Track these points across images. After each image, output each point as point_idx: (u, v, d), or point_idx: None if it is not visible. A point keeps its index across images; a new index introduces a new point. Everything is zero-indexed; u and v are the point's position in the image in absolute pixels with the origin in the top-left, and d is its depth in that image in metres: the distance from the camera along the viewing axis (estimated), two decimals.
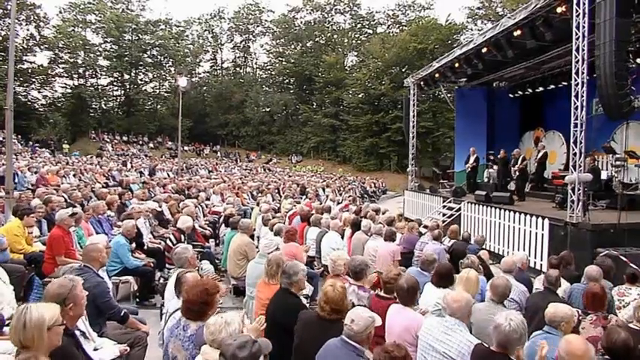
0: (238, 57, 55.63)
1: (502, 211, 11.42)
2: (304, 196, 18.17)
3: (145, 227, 7.69)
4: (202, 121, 49.01)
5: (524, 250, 10.40)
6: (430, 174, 34.58)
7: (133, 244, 6.49)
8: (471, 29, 41.13)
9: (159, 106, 49.25)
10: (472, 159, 16.68)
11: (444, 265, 4.80)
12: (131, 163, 23.73)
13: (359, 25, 50.66)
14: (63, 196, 9.26)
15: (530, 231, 10.22)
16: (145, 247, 7.26)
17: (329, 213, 10.57)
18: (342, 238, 8.71)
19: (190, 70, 50.71)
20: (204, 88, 52.78)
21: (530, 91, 17.69)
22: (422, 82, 18.73)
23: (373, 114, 39.43)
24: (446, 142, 38.49)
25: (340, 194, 21.68)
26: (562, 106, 17.36)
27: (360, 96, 41.66)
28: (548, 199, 13.64)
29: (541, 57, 13.72)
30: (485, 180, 17.86)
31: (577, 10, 8.96)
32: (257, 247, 6.81)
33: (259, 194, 17.68)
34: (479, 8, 39.57)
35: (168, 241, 6.34)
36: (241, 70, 55.96)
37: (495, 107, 19.03)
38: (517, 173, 13.55)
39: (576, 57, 9.12)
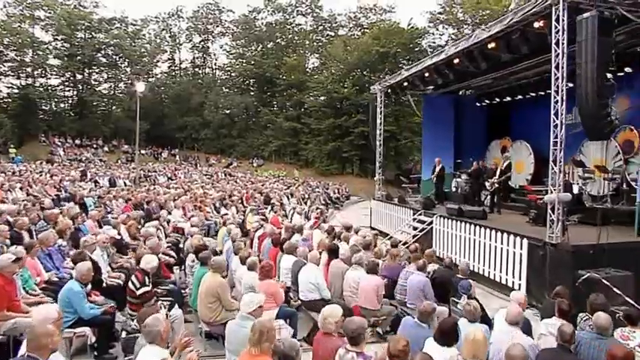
0: (197, 57, 54.40)
1: (477, 227, 11.14)
2: (269, 207, 17.54)
3: (102, 260, 6.91)
4: (160, 124, 47.39)
5: (500, 269, 10.21)
6: (392, 177, 34.66)
7: (89, 286, 5.71)
8: (433, 33, 41.61)
9: (114, 108, 47.28)
10: (437, 169, 16.48)
11: (446, 321, 4.32)
12: (86, 173, 22.20)
13: (320, 27, 50.33)
14: (8, 221, 8.34)
15: (508, 249, 9.98)
16: (104, 284, 6.51)
17: (300, 233, 10.02)
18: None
19: (147, 71, 49.07)
20: (162, 89, 51.12)
21: (497, 100, 17.68)
22: (389, 90, 18.39)
23: (336, 117, 39.07)
24: (408, 146, 38.69)
25: (305, 203, 21.19)
26: (529, 116, 17.53)
27: (322, 99, 41.26)
28: (518, 210, 13.61)
29: (513, 68, 13.55)
30: (454, 190, 17.73)
31: (556, 27, 8.73)
32: (232, 275, 6.20)
33: (222, 206, 16.98)
34: (440, 13, 39.86)
35: (130, 284, 5.59)
36: (200, 71, 54.70)
37: (462, 115, 18.93)
38: (495, 186, 13.31)
39: (555, 74, 8.91)
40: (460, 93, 19.29)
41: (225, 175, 35.43)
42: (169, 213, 14.05)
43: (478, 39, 11.36)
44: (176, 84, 50.98)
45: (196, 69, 54.82)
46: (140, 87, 20.87)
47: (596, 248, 8.73)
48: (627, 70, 12.36)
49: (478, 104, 18.98)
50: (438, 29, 41.28)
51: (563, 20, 8.59)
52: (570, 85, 14.02)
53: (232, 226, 9.91)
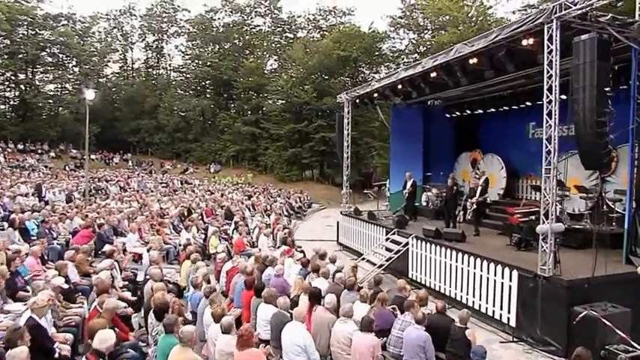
0: (151, 58, 52.21)
1: (459, 254, 10.54)
2: (232, 225, 16.52)
3: (48, 324, 5.76)
4: (111, 127, 45.14)
5: (487, 299, 9.64)
6: (353, 182, 34.02)
7: None
8: (393, 38, 41.27)
9: (60, 110, 44.37)
10: (409, 184, 15.90)
11: None
12: (41, 188, 20.21)
13: (279, 29, 49.12)
14: None
15: (495, 280, 9.41)
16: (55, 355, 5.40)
17: (273, 266, 9.11)
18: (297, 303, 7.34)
19: (97, 71, 46.61)
20: (114, 90, 48.71)
21: (468, 112, 17.28)
22: (357, 100, 17.66)
23: (296, 123, 38.14)
24: (370, 151, 38.25)
25: (268, 215, 20.24)
26: (499, 129, 17.24)
27: (281, 103, 40.21)
28: (493, 228, 13.17)
29: (488, 82, 13.02)
30: (424, 204, 17.25)
31: (549, 47, 8.20)
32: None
33: (181, 223, 15.84)
34: (400, 17, 39.58)
35: None
36: (154, 73, 52.42)
37: (431, 126, 18.43)
38: (474, 206, 12.76)
39: (548, 96, 8.39)
40: (429, 103, 18.78)
41: (182, 182, 33.87)
42: (124, 234, 12.91)
43: (460, 53, 10.76)
44: (128, 85, 48.76)
45: (150, 70, 52.55)
46: (89, 95, 19.18)
47: (591, 282, 8.27)
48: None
49: (447, 115, 18.54)
50: (398, 34, 41.07)
51: (556, 40, 8.05)
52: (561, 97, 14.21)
53: (201, 264, 8.75)
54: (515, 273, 8.91)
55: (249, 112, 44.68)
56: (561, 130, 14.91)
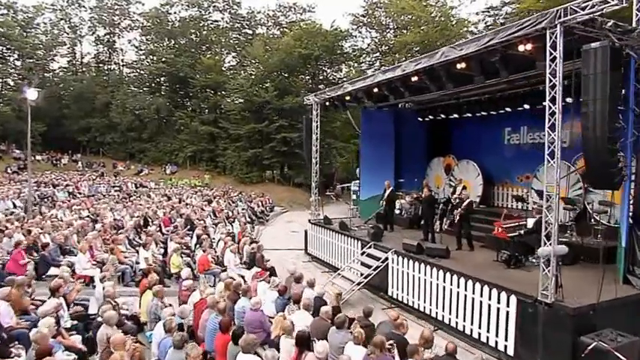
0: (102, 53, 49.20)
1: (449, 273, 9.79)
2: (193, 235, 15.29)
3: None
4: (59, 125, 42.30)
5: (480, 324, 8.93)
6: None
7: None
8: (355, 36, 40.57)
9: (1, 107, 40.78)
10: (387, 193, 15.13)
11: None
12: None
13: (238, 25, 47.34)
14: None
15: (490, 304, 8.70)
16: None
17: (247, 297, 8.07)
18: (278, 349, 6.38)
19: (43, 66, 43.59)
20: (61, 85, 45.71)
21: (442, 116, 16.68)
22: (327, 102, 16.73)
23: (256, 122, 36.69)
24: (331, 152, 37.41)
25: (231, 223, 19.07)
26: (474, 135, 16.72)
27: (240, 102, 38.66)
28: (475, 240, 12.53)
29: (467, 87, 12.35)
30: (397, 212, 16.54)
31: (551, 53, 7.51)
32: None
33: (137, 236, 14.51)
34: (363, 15, 38.91)
35: None
36: (106, 68, 49.47)
37: (403, 130, 17.79)
38: (458, 217, 12.05)
39: (550, 108, 7.69)
40: (400, 106, 18.03)
41: (137, 185, 31.97)
42: (72, 252, 11.52)
43: (446, 57, 10.00)
44: (78, 81, 45.61)
45: (101, 65, 49.53)
46: (31, 94, 17.34)
47: (596, 307, 7.68)
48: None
49: (420, 119, 17.90)
50: (360, 32, 40.41)
51: (559, 46, 7.38)
52: (526, 107, 13.75)
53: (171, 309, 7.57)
54: (513, 298, 8.21)
55: (207, 111, 42.87)
56: (539, 137, 14.88)
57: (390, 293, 11.80)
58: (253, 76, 39.13)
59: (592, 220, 11.30)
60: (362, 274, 12.20)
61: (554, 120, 7.64)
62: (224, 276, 9.48)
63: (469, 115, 15.53)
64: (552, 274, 7.67)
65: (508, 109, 14.05)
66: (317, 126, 17.18)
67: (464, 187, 14.09)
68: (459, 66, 10.04)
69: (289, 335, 6.48)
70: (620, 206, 9.95)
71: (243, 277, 11.98)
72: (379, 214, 16.19)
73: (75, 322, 7.46)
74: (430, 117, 17.41)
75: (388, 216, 15.29)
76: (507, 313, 8.32)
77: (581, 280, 8.80)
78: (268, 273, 10.11)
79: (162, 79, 45.81)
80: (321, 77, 41.76)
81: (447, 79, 10.75)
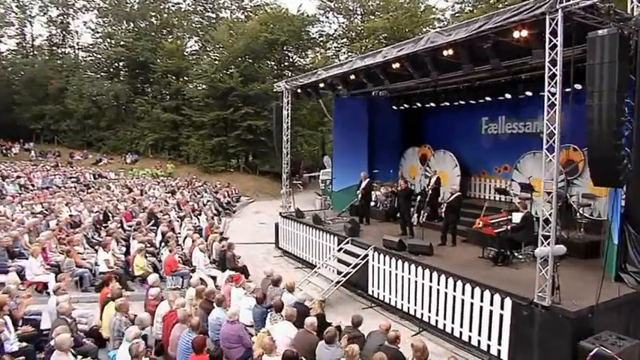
0: (55, 35, 46.06)
1: (436, 273, 9.28)
2: (158, 230, 14.36)
3: None
4: (9, 112, 39.84)
5: (470, 327, 8.48)
6: (279, 170, 32.26)
7: None
8: (322, 22, 39.67)
9: None
10: (364, 184, 14.54)
11: None
12: None
13: (201, 8, 45.42)
14: None
15: (482, 306, 8.24)
16: None
17: (223, 307, 7.32)
18: None
19: None
20: (10, 69, 42.92)
21: (419, 105, 16.14)
22: (299, 90, 15.93)
23: (220, 109, 35.32)
24: (298, 140, 36.59)
25: (197, 217, 18.17)
26: (450, 124, 16.26)
27: (204, 88, 37.13)
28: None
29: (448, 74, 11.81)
30: (372, 204, 15.99)
31: (551, 40, 6.98)
32: None
33: (96, 234, 13.48)
34: (330, 0, 38.02)
35: None
36: (60, 52, 46.48)
37: (377, 119, 17.17)
38: (444, 211, 11.57)
39: (549, 99, 7.18)
40: (373, 94, 17.40)
41: (95, 176, 30.30)
42: (23, 255, 10.43)
43: (432, 43, 9.38)
44: (29, 65, 42.84)
45: (54, 48, 46.50)
46: None
47: (594, 310, 7.31)
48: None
49: (394, 107, 17.32)
50: (327, 17, 39.54)
51: (560, 33, 6.85)
52: (507, 96, 13.34)
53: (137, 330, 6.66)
54: (508, 301, 7.76)
55: (169, 98, 40.93)
56: (518, 127, 14.59)
57: (370, 292, 11.26)
58: (217, 62, 37.63)
59: (577, 215, 11.01)
60: (340, 272, 11.57)
61: (554, 112, 7.10)
62: (194, 281, 8.62)
63: (447, 103, 15.02)
64: (549, 276, 7.24)
65: (488, 99, 13.58)
66: (288, 114, 16.37)
67: (438, 178, 13.72)
68: (445, 53, 9.43)
69: (271, 353, 5.80)
70: (609, 201, 9.70)
71: (214, 277, 11.26)
72: (354, 206, 15.63)
73: (24, 344, 6.47)
74: (405, 105, 16.82)
75: (364, 209, 14.72)
76: (501, 316, 7.87)
77: (570, 278, 8.37)
78: (244, 277, 9.29)
79: (121, 63, 43.47)
80: (286, 63, 40.71)
81: (432, 66, 10.12)
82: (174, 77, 39.98)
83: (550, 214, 7.30)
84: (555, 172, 7.21)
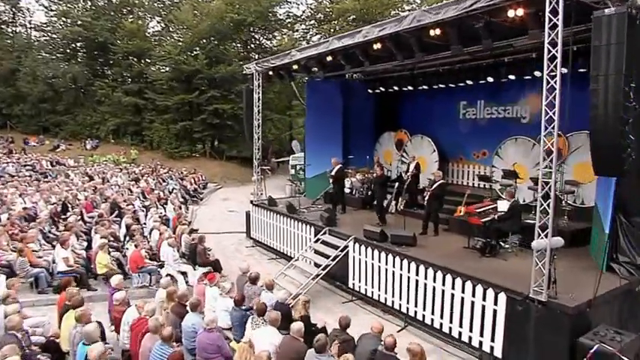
0: (4, 12, 42.91)
1: (423, 266, 8.82)
2: (121, 222, 13.47)
3: None
4: None
5: (460, 323, 8.08)
6: (247, 155, 31.62)
7: None
8: (290, 2, 38.56)
9: None
10: (335, 170, 13.97)
11: None
12: None
13: None
14: None
15: (473, 301, 7.84)
16: None
17: (198, 312, 6.65)
18: None
19: None
20: None
21: (395, 88, 15.61)
22: (271, 72, 15.13)
23: (185, 93, 33.97)
24: (266, 124, 35.67)
25: (163, 206, 17.31)
26: (427, 108, 15.82)
27: (168, 71, 35.56)
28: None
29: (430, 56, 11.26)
30: (347, 190, 15.48)
31: (550, 20, 6.49)
32: None
33: (54, 227, 12.50)
34: None
35: None
36: (10, 30, 43.57)
37: (351, 103, 16.57)
38: (427, 199, 11.11)
39: (548, 82, 6.70)
40: (347, 77, 16.76)
41: (52, 163, 28.65)
42: None
43: (418, 22, 8.79)
44: None
45: (3, 27, 43.38)
46: None
47: (591, 304, 7.01)
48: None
49: (370, 90, 16.75)
50: None
51: (561, 12, 6.37)
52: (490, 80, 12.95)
53: (96, 335, 5.86)
54: (502, 296, 7.36)
55: (131, 81, 38.87)
56: (497, 111, 14.27)
57: (350, 285, 10.77)
58: (181, 43, 35.96)
59: (561, 202, 10.75)
60: (318, 265, 11.03)
61: (552, 98, 6.64)
62: (165, 282, 7.87)
63: (425, 87, 14.56)
64: (546, 270, 6.86)
65: (469, 82, 13.15)
66: (258, 98, 15.56)
67: (417, 164, 13.32)
68: (432, 33, 8.86)
69: None
70: (597, 189, 9.48)
71: (184, 273, 10.56)
72: (328, 193, 15.08)
73: None
74: (381, 89, 16.28)
75: (337, 196, 14.18)
76: (494, 311, 7.48)
77: (558, 268, 8.10)
78: (218, 276, 8.58)
79: (78, 44, 40.78)
80: (253, 45, 39.49)
81: (417, 47, 9.54)
82: (135, 59, 38.06)
83: (548, 205, 6.85)
84: (554, 160, 6.80)
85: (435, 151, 14.66)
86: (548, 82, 6.69)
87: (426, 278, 8.73)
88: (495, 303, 7.47)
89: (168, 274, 10.24)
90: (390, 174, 16.05)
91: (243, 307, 7.14)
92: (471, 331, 7.90)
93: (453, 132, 15.13)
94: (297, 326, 5.98)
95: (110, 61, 39.54)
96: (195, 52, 34.75)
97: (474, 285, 7.78)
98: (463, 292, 7.98)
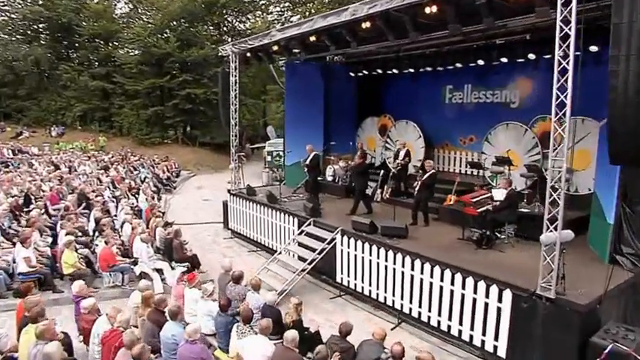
0: None
1: (420, 261, 8.26)
2: (90, 214, 12.59)
3: None
4: None
5: (460, 320, 7.60)
6: (220, 141, 30.67)
7: None
8: None
9: None
10: (310, 158, 13.34)
11: None
12: None
13: None
14: None
15: (475, 298, 7.34)
16: None
17: (179, 321, 5.95)
18: None
19: None
20: None
21: (379, 71, 14.98)
22: (249, 53, 14.26)
23: (156, 77, 32.65)
24: (241, 109, 34.64)
25: (135, 196, 16.43)
26: (411, 93, 15.23)
27: (138, 54, 34.08)
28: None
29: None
30: (330, 178, 14.89)
31: None
32: None
33: (15, 221, 11.54)
34: None
35: None
36: None
37: (332, 86, 15.86)
38: (417, 186, 10.55)
39: (560, 63, 6.16)
40: (328, 59, 16.01)
41: (15, 152, 27.13)
42: None
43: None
44: None
45: None
46: None
47: (601, 300, 6.60)
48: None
49: (352, 74, 16.08)
50: None
51: None
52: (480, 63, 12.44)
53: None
54: (507, 293, 6.87)
55: (98, 64, 37.17)
56: (485, 96, 13.81)
57: (338, 279, 10.18)
58: (151, 25, 34.47)
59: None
60: (303, 258, 10.42)
61: (564, 80, 6.10)
62: (142, 285, 7.10)
63: (410, 70, 13.98)
64: (557, 265, 6.40)
65: (458, 65, 12.60)
66: (235, 81, 14.70)
67: (408, 151, 12.77)
68: (428, 10, 8.22)
69: None
70: (596, 176, 9.11)
71: (160, 270, 9.81)
72: (308, 182, 14.44)
73: None
74: (364, 72, 15.62)
75: (316, 184, 13.57)
76: (498, 309, 7.00)
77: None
78: (199, 276, 7.83)
79: (40, 25, 38.47)
80: (226, 28, 38.19)
81: (410, 25, 8.88)
82: (102, 42, 36.33)
83: (559, 196, 6.36)
84: (565, 148, 6.30)
85: (420, 136, 14.15)
86: (560, 64, 6.15)
87: (422, 273, 8.18)
88: (500, 300, 6.98)
89: (142, 272, 9.53)
90: (374, 161, 15.48)
91: (229, 313, 6.46)
92: (472, 329, 7.42)
93: (438, 117, 14.64)
94: (291, 335, 5.34)
95: (75, 43, 37.67)
96: (165, 35, 33.47)
97: (476, 281, 7.28)
98: (464, 288, 7.47)
